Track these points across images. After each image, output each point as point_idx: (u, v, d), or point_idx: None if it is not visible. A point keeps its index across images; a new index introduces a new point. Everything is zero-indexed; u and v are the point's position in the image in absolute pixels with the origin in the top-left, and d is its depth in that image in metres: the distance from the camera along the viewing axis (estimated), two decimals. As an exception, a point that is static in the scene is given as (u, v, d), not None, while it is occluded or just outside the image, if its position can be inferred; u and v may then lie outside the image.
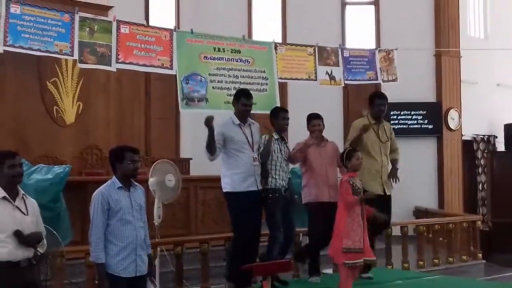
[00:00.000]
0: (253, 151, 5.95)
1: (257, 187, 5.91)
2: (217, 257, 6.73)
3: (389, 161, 6.63)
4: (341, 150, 6.34)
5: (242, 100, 6.01)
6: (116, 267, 4.28)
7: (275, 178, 6.04)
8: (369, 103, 6.71)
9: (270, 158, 6.02)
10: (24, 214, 4.04)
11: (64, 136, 9.88)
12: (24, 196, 4.13)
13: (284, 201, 6.06)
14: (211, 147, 5.78)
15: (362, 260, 5.52)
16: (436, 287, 6.40)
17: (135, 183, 4.53)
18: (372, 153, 6.47)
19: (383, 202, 6.32)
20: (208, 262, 6.53)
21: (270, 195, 5.98)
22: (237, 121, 5.96)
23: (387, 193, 6.51)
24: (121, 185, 4.39)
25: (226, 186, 5.94)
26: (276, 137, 6.15)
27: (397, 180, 6.56)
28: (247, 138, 5.94)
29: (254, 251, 5.98)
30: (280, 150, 6.12)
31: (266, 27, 11.80)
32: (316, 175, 6.26)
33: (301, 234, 6.99)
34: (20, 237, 3.94)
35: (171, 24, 10.12)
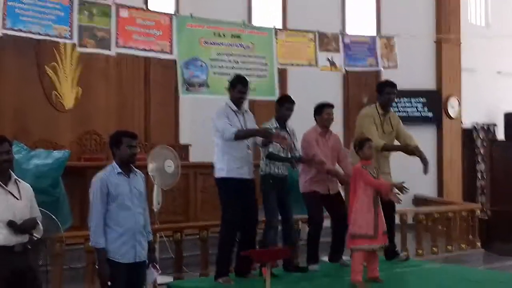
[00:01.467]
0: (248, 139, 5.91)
1: (250, 176, 5.87)
2: (216, 243, 6.71)
3: (390, 153, 6.56)
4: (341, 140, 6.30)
5: (238, 87, 5.91)
6: (115, 253, 4.27)
7: (270, 166, 6.02)
8: (378, 91, 6.53)
9: (267, 148, 5.99)
10: (17, 199, 4.01)
11: (63, 121, 9.85)
12: (17, 181, 4.10)
13: (281, 188, 6.04)
14: (243, 138, 5.73)
15: (370, 245, 5.46)
16: (435, 275, 6.39)
17: (135, 169, 4.51)
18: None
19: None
20: (208, 249, 6.53)
21: (265, 181, 5.96)
22: (234, 108, 5.89)
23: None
24: (120, 171, 4.37)
25: (221, 171, 5.86)
26: (275, 125, 6.09)
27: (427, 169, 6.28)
28: (241, 126, 5.89)
29: (251, 239, 5.95)
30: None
31: (266, 12, 11.72)
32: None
33: (300, 222, 6.98)
34: (14, 227, 3.92)
35: (170, 9, 10.09)
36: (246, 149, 5.83)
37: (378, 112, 6.43)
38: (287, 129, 6.21)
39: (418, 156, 6.34)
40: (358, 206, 5.47)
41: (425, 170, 6.24)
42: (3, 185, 3.98)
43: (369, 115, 6.42)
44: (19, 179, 4.14)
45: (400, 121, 6.70)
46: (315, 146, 6.19)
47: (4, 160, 4.02)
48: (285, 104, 6.18)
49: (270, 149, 5.99)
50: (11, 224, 3.91)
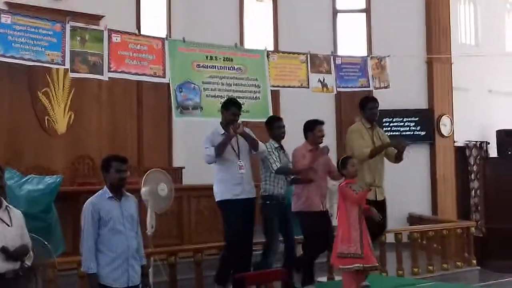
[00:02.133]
0: (239, 159, 5.93)
1: (246, 195, 5.88)
2: (211, 266, 6.68)
3: (382, 166, 6.60)
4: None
5: (232, 109, 5.99)
6: (108, 277, 4.25)
7: (273, 186, 6.04)
8: (360, 107, 6.67)
9: (271, 166, 6.03)
10: (8, 226, 3.99)
11: (56, 146, 9.84)
12: (8, 208, 4.08)
13: (282, 208, 6.04)
14: (222, 149, 5.79)
15: (359, 265, 5.46)
16: (431, 294, 6.39)
17: (127, 193, 4.50)
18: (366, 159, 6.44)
19: (376, 208, 6.31)
20: (202, 271, 6.49)
21: (268, 202, 5.97)
22: (222, 131, 5.95)
23: (378, 199, 6.47)
24: (111, 195, 4.37)
25: (216, 194, 5.98)
26: (275, 145, 6.15)
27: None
28: (233, 147, 5.94)
29: (247, 260, 5.94)
30: (279, 157, 6.11)
31: (258, 35, 11.80)
32: (312, 184, 6.21)
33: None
34: (7, 253, 3.89)
35: (163, 33, 10.15)
36: (237, 169, 5.86)
37: (365, 127, 6.54)
38: (283, 147, 6.26)
39: (398, 149, 6.47)
40: (346, 226, 5.48)
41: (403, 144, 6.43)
42: None
43: (356, 130, 6.57)
44: (10, 206, 4.11)
45: (386, 135, 6.87)
46: (301, 160, 6.21)
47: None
48: (274, 124, 6.27)
49: (278, 164, 5.99)
50: (4, 251, 3.88)
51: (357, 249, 5.43)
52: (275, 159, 6.04)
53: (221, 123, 6.06)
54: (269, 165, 6.06)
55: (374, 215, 5.70)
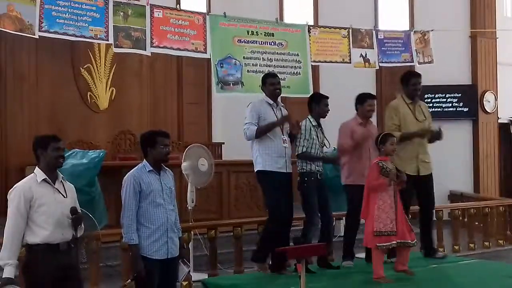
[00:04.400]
0: (283, 133, 5.91)
1: (287, 169, 5.89)
2: (250, 241, 6.74)
3: (425, 142, 6.48)
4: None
5: (269, 79, 5.96)
6: (149, 249, 4.32)
7: (310, 163, 6.02)
8: (402, 82, 6.48)
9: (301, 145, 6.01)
10: (64, 197, 4.09)
11: (98, 122, 10.00)
12: (63, 180, 4.17)
13: (320, 185, 6.03)
14: (265, 133, 5.78)
15: (394, 242, 5.47)
16: (472, 271, 6.29)
17: (165, 167, 4.55)
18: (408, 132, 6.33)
19: (419, 183, 6.23)
20: (242, 246, 6.55)
21: (306, 179, 5.96)
22: (270, 101, 5.92)
23: (422, 174, 6.36)
24: (151, 169, 4.42)
25: (258, 165, 5.92)
26: (314, 123, 6.09)
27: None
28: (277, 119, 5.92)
29: (286, 234, 5.97)
30: (317, 135, 6.08)
31: (298, 10, 11.69)
32: (357, 157, 6.17)
33: (334, 219, 6.93)
34: (75, 214, 3.99)
35: (202, 8, 10.14)
36: (281, 143, 5.85)
37: (405, 102, 6.37)
38: (321, 126, 6.21)
39: (434, 136, 6.34)
40: (381, 203, 5.45)
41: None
42: (51, 183, 4.05)
43: (394, 107, 6.40)
44: (64, 178, 4.21)
45: (429, 112, 6.67)
46: (348, 136, 6.15)
47: (60, 155, 4.09)
48: (322, 101, 6.16)
49: (304, 149, 5.97)
50: (74, 211, 3.99)
51: (393, 227, 5.42)
52: (303, 143, 5.98)
53: (267, 96, 6.02)
54: (296, 146, 6.02)
55: (401, 177, 5.62)
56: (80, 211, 4.15)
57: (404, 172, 5.70)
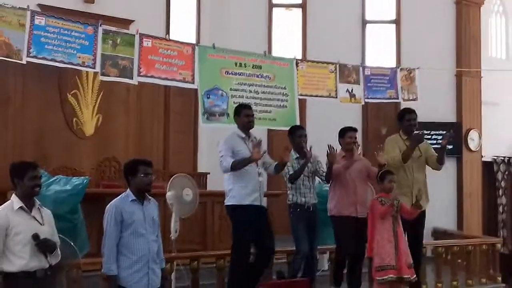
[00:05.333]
0: (258, 166, 5.92)
1: (260, 203, 5.88)
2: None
3: (422, 177, 6.54)
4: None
5: (245, 111, 6.05)
6: (129, 280, 4.28)
7: (296, 196, 6.05)
8: (398, 119, 6.71)
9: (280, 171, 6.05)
10: (40, 224, 4.04)
11: (83, 148, 9.94)
12: (39, 207, 4.14)
13: (308, 216, 6.04)
14: (240, 167, 5.77)
15: (392, 276, 5.47)
16: (455, 310, 6.31)
17: (149, 196, 4.52)
18: (404, 168, 6.41)
19: (414, 218, 6.26)
20: (224, 278, 6.48)
21: (291, 210, 5.97)
22: (242, 134, 5.97)
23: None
24: (134, 198, 4.40)
25: (232, 199, 5.91)
26: (295, 156, 6.15)
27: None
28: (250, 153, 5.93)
29: (263, 268, 5.93)
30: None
31: (286, 43, 11.80)
32: (344, 189, 6.22)
33: (317, 252, 6.91)
34: (37, 240, 3.93)
35: (191, 39, 10.21)
36: (257, 177, 5.85)
37: (402, 138, 6.53)
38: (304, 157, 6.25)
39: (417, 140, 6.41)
40: (379, 238, 5.48)
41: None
42: (28, 210, 4.01)
43: (391, 140, 6.61)
44: (41, 205, 4.17)
45: (430, 146, 6.80)
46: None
47: (36, 184, 4.07)
48: (296, 132, 6.28)
49: (291, 172, 6.01)
50: (35, 237, 3.93)
51: (390, 260, 5.44)
52: (287, 169, 6.04)
53: (239, 128, 6.06)
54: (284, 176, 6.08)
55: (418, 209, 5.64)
56: (56, 237, 4.11)
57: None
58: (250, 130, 6.08)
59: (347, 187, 6.23)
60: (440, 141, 6.62)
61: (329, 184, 6.47)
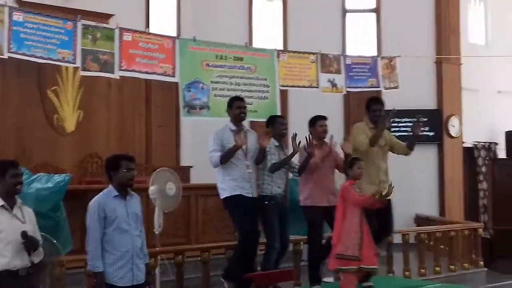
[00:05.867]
0: (247, 158, 5.94)
1: (252, 194, 5.90)
2: (218, 265, 6.70)
3: (385, 166, 6.57)
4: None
5: (236, 103, 6.05)
6: (113, 276, 4.27)
7: (271, 185, 6.04)
8: (365, 108, 6.66)
9: (266, 166, 6.03)
10: (22, 222, 4.03)
11: (65, 145, 9.87)
12: (21, 205, 4.12)
13: (281, 208, 6.05)
14: (228, 158, 5.81)
15: (355, 267, 5.48)
16: (439, 296, 6.38)
17: (131, 191, 4.51)
18: (369, 157, 6.43)
19: (381, 209, 6.29)
20: (209, 271, 6.49)
21: (266, 202, 5.97)
22: (233, 127, 5.98)
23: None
24: (117, 194, 4.39)
25: (224, 192, 5.96)
26: (276, 144, 6.15)
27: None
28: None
29: (253, 256, 5.97)
30: (279, 158, 6.11)
31: (267, 35, 11.80)
32: (315, 178, 6.22)
33: (301, 243, 6.96)
34: (26, 238, 3.92)
35: (172, 32, 10.15)
36: (245, 169, 5.88)
37: (368, 127, 6.52)
38: (283, 147, 6.26)
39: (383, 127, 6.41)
40: (346, 226, 5.49)
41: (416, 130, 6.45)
42: (9, 208, 3.99)
43: (360, 127, 6.57)
44: (23, 203, 4.15)
45: (392, 135, 6.80)
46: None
47: (18, 182, 4.05)
48: (277, 120, 6.28)
49: (272, 161, 6.02)
50: (24, 235, 3.90)
51: (354, 251, 5.45)
52: (270, 158, 6.04)
53: (231, 120, 6.08)
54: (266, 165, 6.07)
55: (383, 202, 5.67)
56: (38, 235, 4.09)
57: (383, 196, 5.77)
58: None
59: (320, 177, 6.23)
60: (411, 129, 6.59)
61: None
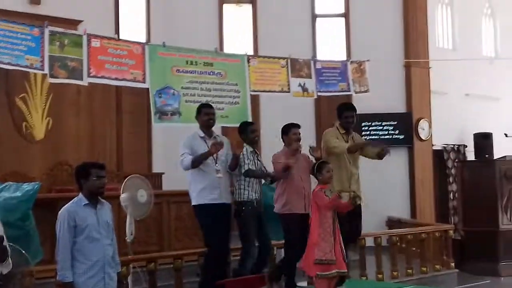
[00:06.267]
0: (216, 163, 5.93)
1: (223, 200, 5.89)
2: (191, 272, 6.66)
3: (357, 172, 6.62)
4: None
5: (205, 109, 6.11)
6: (85, 286, 4.21)
7: (248, 191, 6.03)
8: (337, 114, 6.72)
9: (242, 171, 6.02)
10: (-12, 232, 3.94)
11: (34, 152, 9.72)
12: (-13, 215, 4.03)
13: (258, 213, 6.04)
14: (199, 163, 5.81)
15: (334, 271, 5.51)
16: (411, 297, 6.43)
17: (102, 200, 4.46)
18: (341, 163, 6.47)
19: (350, 212, 6.32)
20: (182, 278, 6.45)
21: (243, 208, 5.96)
22: (202, 134, 6.01)
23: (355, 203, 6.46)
24: (87, 202, 4.33)
25: (193, 200, 5.97)
26: (250, 149, 6.15)
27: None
28: None
29: (224, 265, 5.95)
30: (255, 163, 6.11)
31: (237, 40, 11.80)
32: (292, 186, 6.21)
33: (275, 248, 6.95)
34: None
35: (141, 38, 10.09)
36: (215, 174, 5.87)
37: (339, 132, 6.59)
38: (257, 152, 6.27)
39: (378, 151, 6.55)
40: (321, 231, 5.50)
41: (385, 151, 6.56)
42: None
43: (332, 133, 6.63)
44: None
45: (363, 139, 6.89)
46: (278, 164, 6.22)
47: None
48: (247, 128, 6.29)
49: (247, 167, 6.00)
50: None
51: (332, 255, 5.47)
52: (247, 161, 6.03)
53: (200, 127, 6.09)
54: (241, 168, 6.06)
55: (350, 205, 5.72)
56: (6, 245, 4.00)
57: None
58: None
59: (296, 184, 6.23)
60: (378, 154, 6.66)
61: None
